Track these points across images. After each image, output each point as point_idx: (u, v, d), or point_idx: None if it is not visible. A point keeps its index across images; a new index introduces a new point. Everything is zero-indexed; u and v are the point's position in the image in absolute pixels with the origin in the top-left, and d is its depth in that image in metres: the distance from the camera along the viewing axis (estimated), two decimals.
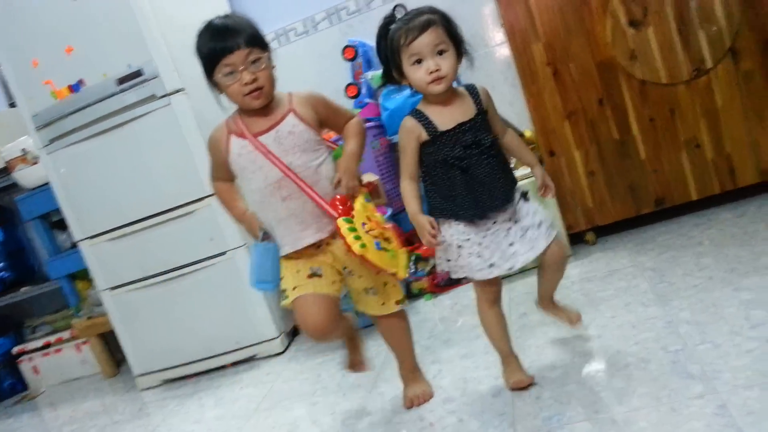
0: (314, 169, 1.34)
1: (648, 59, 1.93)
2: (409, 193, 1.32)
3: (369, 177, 2.32)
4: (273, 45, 2.66)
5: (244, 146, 1.34)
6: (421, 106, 1.31)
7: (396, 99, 2.36)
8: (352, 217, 1.30)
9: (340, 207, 1.31)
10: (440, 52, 1.24)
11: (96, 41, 2.10)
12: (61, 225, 2.71)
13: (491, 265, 1.31)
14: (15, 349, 2.99)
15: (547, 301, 1.49)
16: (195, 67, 1.35)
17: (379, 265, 1.30)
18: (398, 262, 1.36)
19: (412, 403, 1.49)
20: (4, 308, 3.00)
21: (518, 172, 1.89)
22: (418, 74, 1.25)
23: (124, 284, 2.30)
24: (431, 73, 1.24)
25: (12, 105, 2.86)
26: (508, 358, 1.41)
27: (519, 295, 1.84)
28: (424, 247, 2.32)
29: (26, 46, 2.18)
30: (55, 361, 2.93)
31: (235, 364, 2.26)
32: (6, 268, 3.05)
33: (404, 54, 1.25)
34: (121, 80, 2.10)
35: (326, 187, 1.35)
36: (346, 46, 2.57)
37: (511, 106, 2.34)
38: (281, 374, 2.02)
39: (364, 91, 2.57)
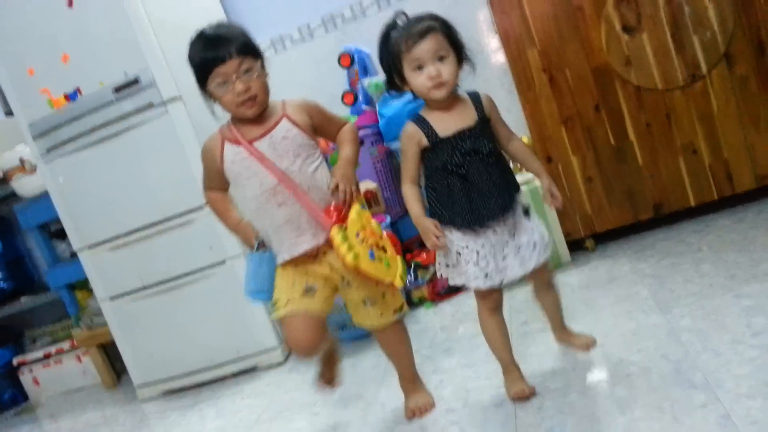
0: (310, 173, 1.34)
1: (643, 65, 1.94)
2: (411, 196, 1.33)
3: (367, 184, 2.34)
4: (269, 52, 2.74)
5: (238, 153, 1.34)
6: (423, 112, 1.32)
7: (393, 106, 2.37)
8: (346, 226, 1.29)
9: (335, 215, 1.30)
10: (441, 58, 1.25)
11: (92, 49, 2.10)
12: (61, 234, 2.71)
13: (486, 275, 1.32)
14: (15, 360, 2.98)
15: (560, 330, 1.51)
16: (192, 75, 1.35)
17: (373, 275, 1.30)
18: (394, 271, 1.35)
19: (413, 414, 1.49)
20: (4, 319, 2.99)
21: (519, 177, 1.89)
22: (419, 80, 1.26)
23: (124, 294, 2.29)
24: (432, 78, 1.25)
25: (8, 113, 2.85)
26: (509, 368, 1.41)
27: (519, 304, 1.84)
28: (424, 255, 2.33)
29: (22, 54, 2.18)
30: (55, 372, 2.92)
31: (235, 375, 2.25)
32: (5, 278, 3.04)
33: (405, 60, 1.26)
34: (118, 88, 2.10)
35: (323, 191, 1.35)
36: (342, 53, 2.57)
37: (509, 113, 2.32)
38: (282, 385, 2.02)
39: (360, 98, 2.58)
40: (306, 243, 1.35)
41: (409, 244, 2.45)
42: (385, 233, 1.41)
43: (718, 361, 1.25)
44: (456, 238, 1.32)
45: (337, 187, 1.33)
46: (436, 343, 1.87)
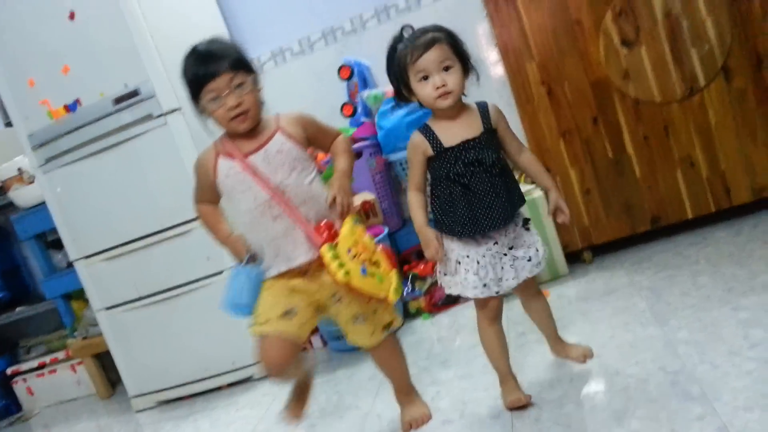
0: (305, 186, 1.34)
1: (641, 78, 1.95)
2: (416, 203, 1.34)
3: (366, 196, 2.34)
4: (269, 64, 2.75)
5: (232, 167, 1.34)
6: (429, 122, 1.33)
7: (392, 118, 2.37)
8: (337, 243, 1.28)
9: (326, 233, 1.29)
10: (446, 68, 1.26)
11: (92, 61, 2.11)
12: (57, 244, 2.71)
13: (485, 285, 1.32)
14: (9, 370, 2.96)
15: (555, 341, 1.51)
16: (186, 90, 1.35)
17: (366, 291, 1.29)
18: (387, 286, 1.34)
19: (410, 426, 1.48)
20: None
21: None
22: (425, 90, 1.27)
23: (120, 304, 2.29)
24: (438, 88, 1.26)
25: (8, 124, 2.86)
26: (506, 378, 1.40)
27: (517, 315, 1.82)
28: (421, 266, 2.33)
29: (22, 65, 2.19)
30: (49, 382, 2.90)
31: (230, 385, 2.24)
32: (1, 288, 3.03)
33: (411, 71, 1.27)
34: (118, 100, 2.11)
35: (319, 203, 1.35)
36: (342, 66, 2.59)
37: None
38: (278, 396, 1.99)
39: (359, 110, 2.59)
40: (303, 256, 1.34)
41: (406, 255, 2.45)
42: (380, 247, 1.40)
43: (716, 374, 1.25)
44: (456, 247, 1.32)
45: (334, 199, 1.34)
46: (433, 354, 1.86)
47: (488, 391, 1.49)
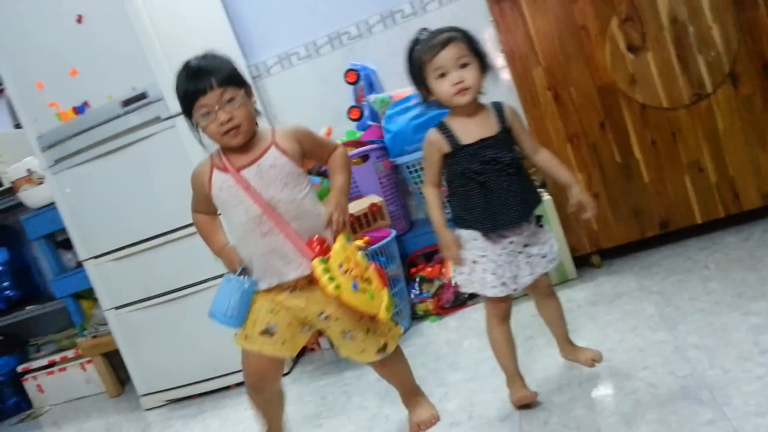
0: (298, 202, 1.33)
1: (648, 84, 1.95)
2: (433, 201, 1.36)
3: (373, 199, 2.35)
4: (276, 68, 2.77)
5: (225, 180, 1.34)
6: (446, 119, 1.34)
7: (398, 122, 2.39)
8: (329, 257, 1.29)
9: (317, 247, 1.30)
10: (463, 65, 1.27)
11: (101, 64, 2.12)
12: (67, 244, 2.73)
13: (503, 284, 1.33)
14: (20, 368, 2.99)
15: (565, 343, 1.51)
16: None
17: (356, 305, 1.29)
18: (378, 304, 1.33)
19: (418, 428, 1.49)
20: (10, 327, 3.01)
21: None
22: (443, 87, 1.28)
23: (129, 304, 2.30)
24: (455, 84, 1.26)
25: (17, 126, 2.88)
26: (514, 378, 1.41)
27: (525, 318, 1.84)
28: (429, 269, 2.34)
29: (32, 68, 2.21)
30: (59, 380, 2.92)
31: (239, 384, 2.25)
32: (11, 287, 3.06)
33: (428, 69, 1.28)
34: (126, 102, 2.12)
35: (311, 220, 1.34)
36: (348, 70, 2.61)
37: None
38: (286, 395, 2.00)
39: (366, 113, 2.60)
40: (291, 273, 1.34)
41: (414, 257, 2.46)
42: (372, 265, 1.39)
43: (726, 378, 1.25)
44: (472, 246, 1.34)
45: (331, 217, 1.34)
46: (441, 356, 1.87)
47: (496, 394, 1.50)
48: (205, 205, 1.42)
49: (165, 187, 2.16)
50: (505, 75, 2.11)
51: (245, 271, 1.36)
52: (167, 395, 2.35)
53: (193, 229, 2.11)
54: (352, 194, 2.48)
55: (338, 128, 2.66)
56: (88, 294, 2.67)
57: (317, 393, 1.94)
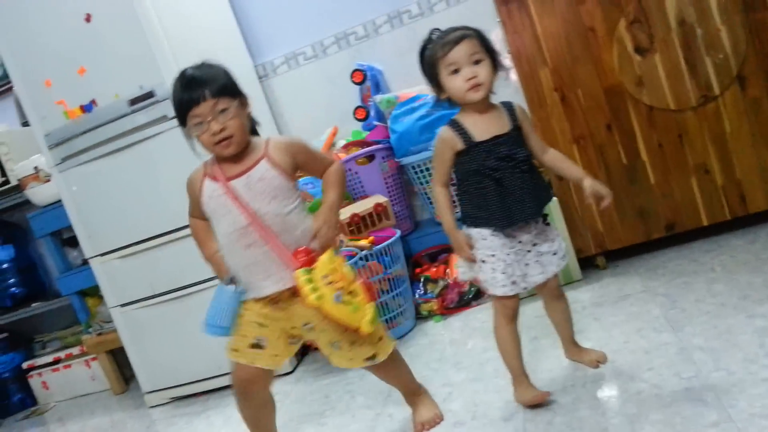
0: (283, 216, 1.32)
1: (655, 86, 1.95)
2: (443, 201, 1.35)
3: (378, 199, 2.35)
4: (282, 68, 2.77)
5: (215, 189, 1.34)
6: (458, 117, 1.34)
7: (404, 122, 2.39)
8: (313, 268, 1.28)
9: (303, 258, 1.29)
10: (476, 62, 1.27)
11: (108, 63, 2.13)
12: (73, 242, 2.74)
13: (513, 282, 1.34)
14: (25, 364, 3.01)
15: (570, 344, 1.51)
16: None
17: (337, 317, 1.29)
18: (360, 317, 1.31)
19: (422, 427, 1.49)
20: (16, 324, 3.03)
21: None
22: (456, 83, 1.28)
23: (134, 301, 2.31)
24: (469, 80, 1.26)
25: (25, 124, 2.90)
26: (521, 378, 1.41)
27: (530, 319, 1.83)
28: (433, 269, 2.34)
29: (39, 66, 2.22)
30: (64, 377, 2.94)
31: None
32: (17, 284, 3.07)
33: (441, 66, 1.29)
34: (133, 101, 2.13)
35: (296, 235, 1.33)
36: (355, 70, 2.61)
37: None
38: (290, 394, 2.02)
39: (372, 113, 2.61)
40: (271, 286, 1.34)
41: (418, 257, 2.46)
42: (360, 279, 1.37)
43: (731, 381, 1.25)
44: (483, 246, 1.34)
45: (317, 232, 1.33)
46: (445, 356, 1.87)
47: (500, 394, 1.50)
48: (200, 211, 1.42)
49: (171, 185, 2.16)
50: (512, 76, 2.11)
51: (233, 281, 1.37)
52: (172, 393, 2.35)
53: None
54: (358, 194, 2.49)
55: (344, 128, 2.67)
56: (94, 291, 2.69)
57: (321, 392, 1.94)
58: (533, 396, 1.39)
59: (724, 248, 1.93)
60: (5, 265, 3.06)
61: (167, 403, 2.37)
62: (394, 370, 1.50)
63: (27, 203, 2.84)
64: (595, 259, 2.11)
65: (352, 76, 2.62)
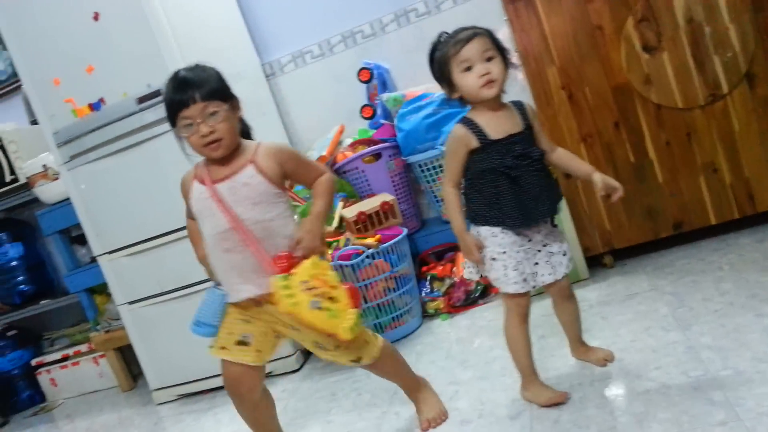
0: (265, 223, 1.32)
1: (663, 84, 1.94)
2: (453, 203, 1.34)
3: (385, 197, 2.36)
4: (289, 66, 2.77)
5: (201, 192, 1.35)
6: (470, 114, 1.33)
7: (411, 121, 2.39)
8: (292, 274, 1.27)
9: (283, 264, 1.28)
10: (489, 59, 1.27)
11: (116, 61, 2.14)
12: (81, 240, 2.76)
13: (524, 280, 1.34)
14: (33, 361, 3.03)
15: (577, 344, 1.51)
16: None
17: (312, 323, 1.27)
18: (338, 323, 1.29)
19: (429, 425, 1.49)
20: (24, 321, 3.05)
21: None
22: (469, 80, 1.28)
23: (142, 299, 2.32)
24: (482, 76, 1.26)
25: (34, 122, 2.92)
26: (532, 377, 1.41)
27: (537, 318, 1.82)
28: (440, 268, 2.34)
29: (48, 65, 2.23)
30: (72, 374, 2.95)
31: None
32: (26, 282, 3.09)
33: (454, 63, 1.28)
34: (141, 99, 2.14)
35: (278, 243, 1.32)
36: (362, 68, 2.61)
37: None
38: (296, 392, 2.02)
39: (379, 112, 2.61)
40: (247, 292, 1.34)
41: (425, 256, 2.46)
42: (346, 286, 1.34)
43: (739, 379, 1.25)
44: (493, 243, 1.33)
45: (297, 242, 1.32)
46: (452, 355, 1.87)
47: (507, 392, 1.50)
48: (192, 212, 1.43)
49: (178, 184, 2.17)
50: (519, 74, 2.11)
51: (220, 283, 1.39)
52: (179, 390, 2.36)
53: None
54: (364, 192, 2.49)
55: (351, 126, 2.67)
56: (102, 289, 2.70)
57: (327, 390, 1.94)
58: (551, 396, 1.38)
59: (732, 247, 1.92)
60: (14, 263, 3.08)
61: (175, 400, 2.38)
62: (389, 368, 1.50)
63: (35, 201, 2.86)
64: (602, 257, 2.11)
65: (358, 75, 2.62)
